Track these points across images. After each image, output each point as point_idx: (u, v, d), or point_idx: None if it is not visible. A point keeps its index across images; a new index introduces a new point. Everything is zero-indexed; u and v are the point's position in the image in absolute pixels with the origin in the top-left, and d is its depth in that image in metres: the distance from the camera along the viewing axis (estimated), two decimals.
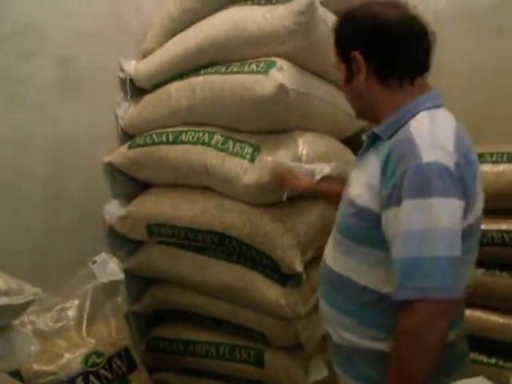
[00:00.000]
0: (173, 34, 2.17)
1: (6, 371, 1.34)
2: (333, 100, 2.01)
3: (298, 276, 1.82)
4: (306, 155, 1.79)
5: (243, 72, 1.84)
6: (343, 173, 1.88)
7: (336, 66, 1.31)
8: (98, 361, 1.77)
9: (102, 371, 1.77)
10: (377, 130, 1.23)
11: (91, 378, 1.73)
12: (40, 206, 1.96)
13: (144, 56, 2.27)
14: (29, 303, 1.12)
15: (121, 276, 1.97)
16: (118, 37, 2.26)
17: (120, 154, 2.18)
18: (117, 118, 2.23)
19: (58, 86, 2.03)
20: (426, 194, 1.08)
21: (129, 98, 2.23)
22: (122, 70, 2.23)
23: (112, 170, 2.22)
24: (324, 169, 1.76)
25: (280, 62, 1.81)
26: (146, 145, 2.08)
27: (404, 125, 1.18)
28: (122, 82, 2.24)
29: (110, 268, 1.97)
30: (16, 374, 1.57)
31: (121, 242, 2.25)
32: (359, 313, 1.27)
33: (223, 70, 1.92)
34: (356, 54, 1.23)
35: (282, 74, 1.76)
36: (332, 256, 1.34)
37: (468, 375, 1.06)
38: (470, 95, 2.47)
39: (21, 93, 1.90)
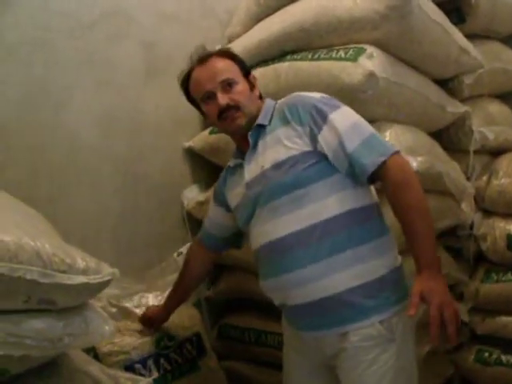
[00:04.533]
0: (259, 18, 2.13)
1: (80, 348, 1.36)
2: (424, 91, 1.91)
3: None
4: None
5: (331, 59, 1.78)
6: (431, 168, 1.79)
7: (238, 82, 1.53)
8: (169, 344, 1.78)
9: (173, 354, 1.78)
10: (260, 121, 1.50)
11: (162, 360, 1.75)
12: (119, 188, 1.99)
13: (229, 40, 2.25)
14: (106, 283, 1.12)
15: None
16: (203, 21, 2.25)
17: (201, 138, 2.17)
18: None
19: (143, 69, 2.05)
20: (337, 106, 1.43)
21: None
22: None
23: (192, 154, 2.22)
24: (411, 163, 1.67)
25: (370, 48, 1.74)
26: None
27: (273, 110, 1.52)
28: None
29: None
30: (91, 350, 1.60)
31: (199, 227, 2.24)
32: (356, 238, 1.39)
33: (310, 56, 1.86)
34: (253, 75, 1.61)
35: (371, 62, 1.68)
36: (295, 219, 1.41)
37: None
38: None
39: (107, 76, 1.94)
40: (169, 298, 1.79)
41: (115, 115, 1.96)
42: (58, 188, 1.82)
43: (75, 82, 1.86)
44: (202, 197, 2.15)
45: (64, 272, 1.03)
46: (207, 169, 2.27)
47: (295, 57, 1.91)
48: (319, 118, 1.41)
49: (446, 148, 2.04)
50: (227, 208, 1.67)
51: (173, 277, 1.88)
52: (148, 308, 1.80)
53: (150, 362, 1.73)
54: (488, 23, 2.27)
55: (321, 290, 1.38)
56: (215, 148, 2.10)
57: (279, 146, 1.44)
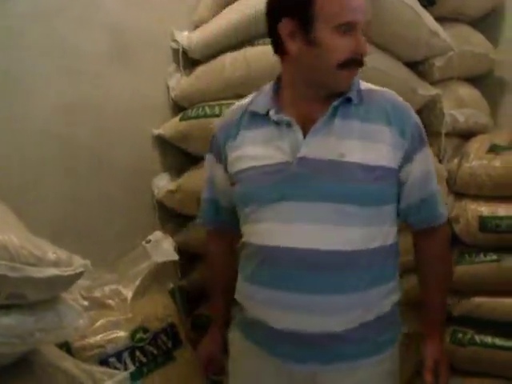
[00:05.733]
0: (226, 3, 2.09)
1: (53, 343, 1.33)
2: (395, 73, 1.90)
3: None
4: None
5: None
6: None
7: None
8: (144, 336, 1.75)
9: (148, 347, 1.75)
10: (350, 95, 1.26)
11: (137, 353, 1.72)
12: (88, 177, 1.95)
13: (196, 26, 2.21)
14: (78, 275, 1.09)
15: (175, 257, 1.96)
16: (170, 6, 2.20)
17: (171, 126, 2.13)
18: (168, 89, 2.18)
19: (110, 55, 2.00)
20: (426, 143, 1.33)
21: (181, 68, 2.17)
22: (175, 41, 2.17)
23: (163, 142, 2.17)
24: None
25: None
26: (197, 117, 2.02)
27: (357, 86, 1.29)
28: (175, 52, 2.19)
29: (164, 248, 1.96)
30: (63, 345, 1.56)
31: (169, 216, 2.22)
32: (376, 276, 1.28)
33: None
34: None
35: None
36: (327, 234, 1.22)
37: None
38: None
39: (74, 62, 1.89)
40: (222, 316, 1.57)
41: (83, 102, 1.91)
42: (27, 178, 1.77)
43: (41, 68, 1.80)
44: (172, 185, 2.12)
45: (33, 265, 1.00)
46: (178, 156, 2.23)
47: (266, 41, 1.84)
48: (418, 141, 1.28)
49: None
50: (225, 167, 1.38)
51: (144, 265, 1.88)
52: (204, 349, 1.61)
53: (125, 355, 1.70)
54: (457, 6, 2.28)
55: (347, 322, 1.24)
56: (186, 135, 2.07)
57: (373, 144, 1.23)
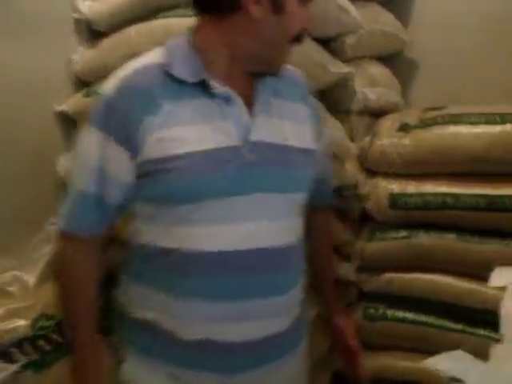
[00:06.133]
0: None
1: None
2: (304, 49, 1.86)
3: None
4: None
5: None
6: None
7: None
8: (47, 324, 1.67)
9: (52, 334, 1.67)
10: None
11: (40, 341, 1.64)
12: None
13: None
14: None
15: None
16: None
17: (74, 102, 2.01)
18: (71, 62, 2.06)
19: (5, 27, 1.86)
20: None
21: (84, 41, 2.07)
22: (77, 10, 2.04)
23: (66, 119, 2.06)
24: None
25: None
26: None
27: None
28: (77, 23, 2.07)
29: None
30: None
31: None
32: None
33: (186, 12, 1.74)
34: None
35: None
36: (279, 229, 1.12)
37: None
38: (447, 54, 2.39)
39: None
40: None
41: None
42: None
43: None
44: None
45: None
46: None
47: (171, 13, 1.82)
48: (320, 121, 1.30)
49: (329, 109, 2.03)
50: (134, 152, 1.06)
51: (47, 249, 1.80)
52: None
53: (27, 345, 1.61)
54: None
55: (287, 321, 1.18)
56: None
57: (300, 125, 1.16)
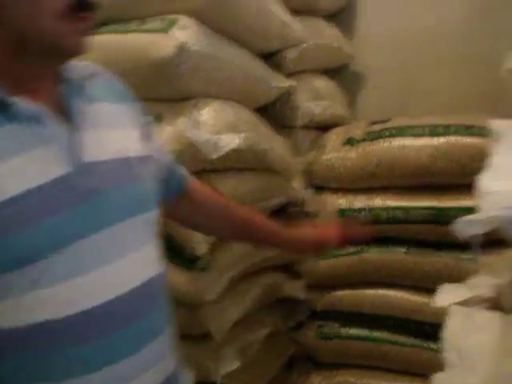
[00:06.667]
0: None
1: None
2: (246, 65, 1.83)
3: (204, 260, 1.64)
4: (213, 126, 1.59)
5: (141, 31, 1.62)
6: (255, 145, 1.72)
7: None
8: None
9: None
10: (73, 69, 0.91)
11: None
12: None
13: None
14: None
15: None
16: None
17: None
18: None
19: None
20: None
21: None
22: None
23: None
24: (232, 140, 1.58)
25: (183, 19, 1.60)
26: None
27: None
28: None
29: None
30: None
31: None
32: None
33: (120, 28, 1.69)
34: None
35: (183, 33, 1.55)
36: (145, 259, 0.92)
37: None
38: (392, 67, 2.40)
39: None
40: None
41: None
42: None
43: None
44: None
45: None
46: None
47: (105, 29, 1.73)
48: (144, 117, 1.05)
49: (273, 124, 1.99)
50: None
51: None
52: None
53: None
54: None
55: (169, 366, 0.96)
56: None
57: (132, 130, 0.96)
